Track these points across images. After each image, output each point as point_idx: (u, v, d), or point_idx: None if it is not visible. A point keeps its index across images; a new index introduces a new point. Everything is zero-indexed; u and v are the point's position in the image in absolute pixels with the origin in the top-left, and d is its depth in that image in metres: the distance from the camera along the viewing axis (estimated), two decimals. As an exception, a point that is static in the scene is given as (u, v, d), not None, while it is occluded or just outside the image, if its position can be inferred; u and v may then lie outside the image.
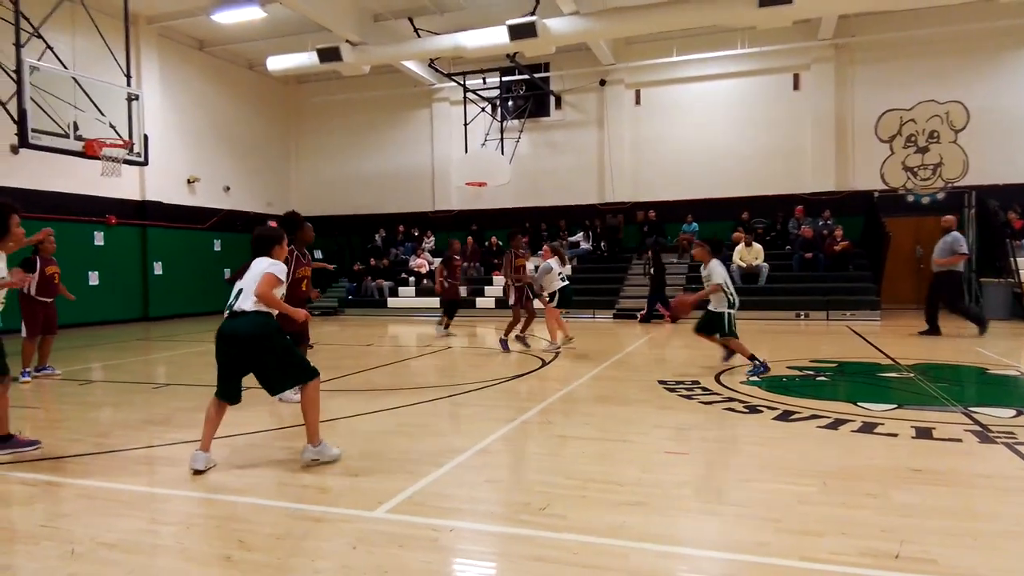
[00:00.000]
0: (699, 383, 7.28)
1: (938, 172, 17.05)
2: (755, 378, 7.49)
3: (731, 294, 7.87)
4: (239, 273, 4.54)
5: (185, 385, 7.97)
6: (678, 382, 7.37)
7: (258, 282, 4.31)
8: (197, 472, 4.28)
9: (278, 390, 4.51)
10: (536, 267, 10.65)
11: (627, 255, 18.66)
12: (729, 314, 7.85)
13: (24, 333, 8.13)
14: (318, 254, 19.01)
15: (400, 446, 5.03)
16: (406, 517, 3.57)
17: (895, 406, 6.07)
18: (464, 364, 9.11)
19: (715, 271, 7.81)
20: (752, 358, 7.75)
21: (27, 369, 8.10)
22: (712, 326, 7.99)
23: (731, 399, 6.45)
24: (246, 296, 4.34)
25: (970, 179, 16.69)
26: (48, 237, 8.38)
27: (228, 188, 20.08)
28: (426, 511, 3.65)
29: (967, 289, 16.06)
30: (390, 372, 8.81)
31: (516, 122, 20.19)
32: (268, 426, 5.61)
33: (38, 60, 10.21)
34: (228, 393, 4.44)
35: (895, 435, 5.05)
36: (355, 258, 21.01)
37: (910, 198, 16.97)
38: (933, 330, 11.51)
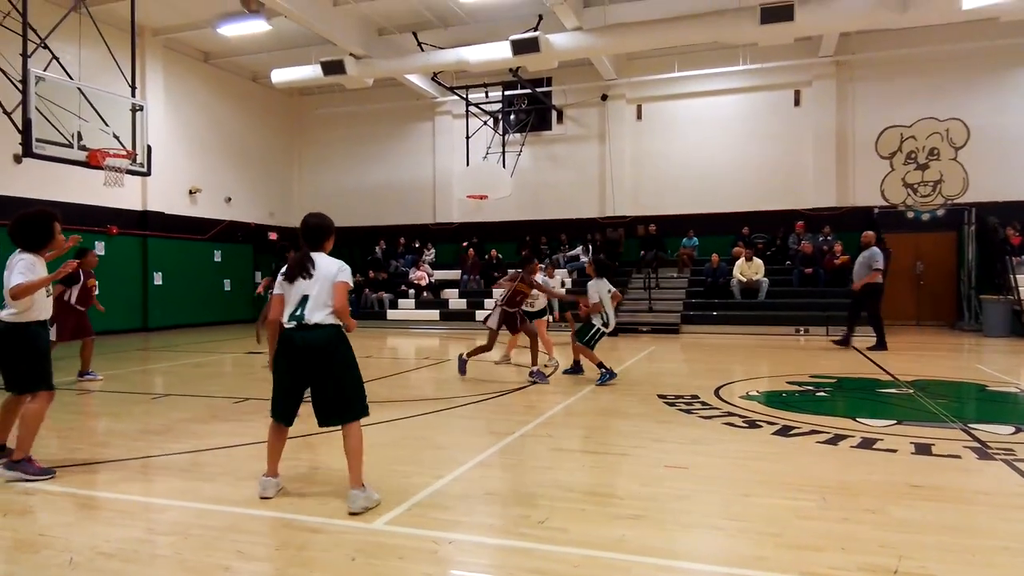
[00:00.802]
0: (698, 397, 7.29)
1: (938, 189, 17.12)
2: (601, 385, 8.13)
3: (605, 314, 8.41)
4: (293, 267, 4.03)
5: (184, 396, 7.97)
6: (677, 396, 7.37)
7: (334, 295, 3.96)
8: (265, 498, 4.06)
9: (347, 417, 3.94)
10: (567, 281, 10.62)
11: (627, 269, 18.68)
12: (598, 328, 8.39)
13: (53, 337, 8.15)
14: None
15: (399, 458, 5.03)
16: (405, 529, 3.57)
17: (894, 422, 6.08)
18: (464, 376, 9.08)
19: (592, 290, 8.42)
20: (601, 365, 8.31)
21: None
22: (581, 332, 8.51)
23: (730, 413, 6.45)
24: (318, 306, 3.93)
25: (970, 196, 16.76)
26: (91, 254, 8.88)
27: (229, 199, 20.13)
28: (426, 523, 3.65)
29: (967, 305, 16.15)
30: (390, 384, 8.81)
31: (518, 135, 20.26)
32: (265, 437, 5.60)
33: (44, 70, 10.28)
34: (287, 413, 4.09)
35: (894, 451, 5.05)
36: (355, 270, 20.97)
37: (910, 214, 17.04)
38: (846, 341, 11.91)
